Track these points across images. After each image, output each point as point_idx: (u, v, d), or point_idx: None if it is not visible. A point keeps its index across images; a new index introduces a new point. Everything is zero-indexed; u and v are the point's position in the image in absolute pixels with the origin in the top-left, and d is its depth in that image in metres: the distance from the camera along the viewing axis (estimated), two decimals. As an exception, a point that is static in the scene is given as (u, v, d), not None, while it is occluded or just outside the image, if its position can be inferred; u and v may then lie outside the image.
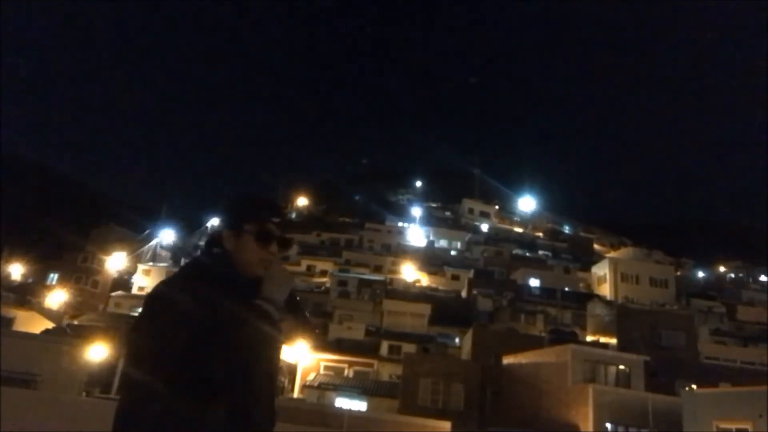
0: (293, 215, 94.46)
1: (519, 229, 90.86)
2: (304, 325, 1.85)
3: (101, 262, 59.00)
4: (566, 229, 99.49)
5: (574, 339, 34.78)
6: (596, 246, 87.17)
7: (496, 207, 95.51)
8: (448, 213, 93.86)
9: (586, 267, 63.28)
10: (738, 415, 19.82)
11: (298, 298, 1.85)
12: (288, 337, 1.91)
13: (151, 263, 62.33)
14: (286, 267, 1.87)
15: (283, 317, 1.74)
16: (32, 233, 71.03)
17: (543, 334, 37.09)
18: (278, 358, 1.81)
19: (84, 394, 22.71)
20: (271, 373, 1.74)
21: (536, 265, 62.42)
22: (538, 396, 26.80)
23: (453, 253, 72.51)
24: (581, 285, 58.22)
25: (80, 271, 57.18)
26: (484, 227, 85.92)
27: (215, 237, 1.81)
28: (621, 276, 54.88)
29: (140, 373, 1.51)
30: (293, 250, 65.90)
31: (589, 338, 39.02)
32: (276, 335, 1.72)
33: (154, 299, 1.62)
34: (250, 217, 1.78)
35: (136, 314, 1.78)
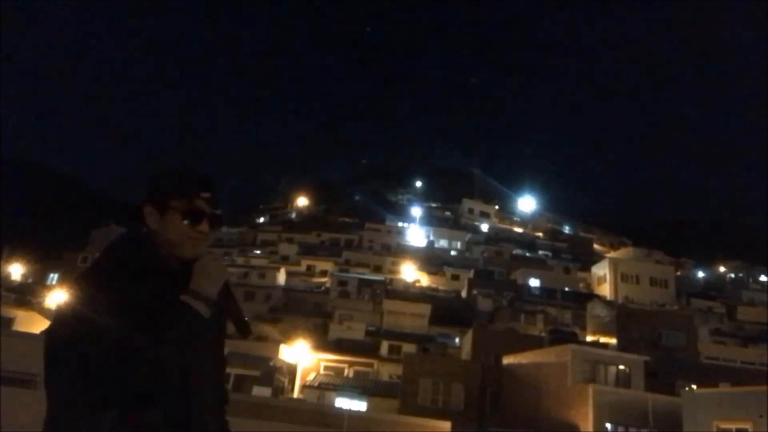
0: (293, 215, 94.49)
1: (519, 229, 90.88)
2: (238, 320, 1.62)
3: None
4: (566, 229, 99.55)
5: (574, 339, 34.75)
6: (596, 246, 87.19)
7: (496, 207, 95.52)
8: (448, 213, 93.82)
9: (586, 267, 63.29)
10: (738, 415, 19.82)
11: (232, 293, 1.64)
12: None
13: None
14: (218, 254, 1.65)
15: (214, 312, 1.51)
16: (32, 233, 71.04)
17: (543, 334, 37.07)
18: (218, 356, 1.63)
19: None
20: (214, 366, 1.59)
21: (536, 265, 62.43)
22: (538, 396, 26.80)
23: (453, 253, 72.48)
24: (581, 285, 58.23)
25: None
26: (484, 227, 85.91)
27: (136, 214, 1.58)
28: (621, 276, 54.87)
29: (63, 386, 1.36)
30: (293, 250, 65.93)
31: (589, 338, 39.00)
32: (210, 333, 1.53)
33: (73, 292, 1.43)
34: (177, 191, 1.54)
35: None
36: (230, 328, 1.72)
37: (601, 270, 58.01)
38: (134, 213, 1.58)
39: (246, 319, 1.66)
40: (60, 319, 1.43)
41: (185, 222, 1.53)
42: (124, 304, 1.38)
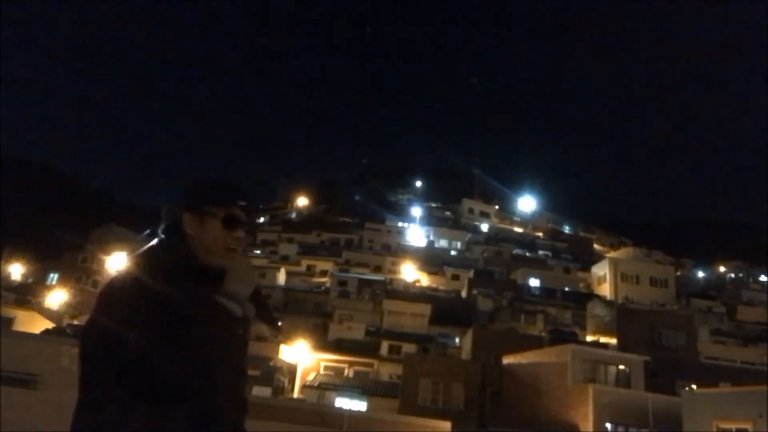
0: (293, 215, 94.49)
1: (519, 229, 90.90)
2: (269, 321, 1.71)
3: (101, 262, 58.93)
4: (566, 229, 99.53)
5: (574, 339, 34.74)
6: (596, 246, 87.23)
7: (496, 207, 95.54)
8: (448, 213, 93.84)
9: (586, 267, 63.31)
10: (738, 415, 19.82)
11: (262, 295, 1.73)
12: (261, 332, 1.81)
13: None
14: (250, 259, 1.74)
15: (247, 313, 1.61)
16: (32, 233, 71.02)
17: (543, 334, 37.06)
18: (244, 356, 1.69)
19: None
20: (237, 373, 1.64)
21: (536, 265, 62.46)
22: (538, 396, 26.81)
23: (453, 253, 72.50)
24: (581, 285, 58.24)
25: (80, 271, 57.16)
26: (484, 227, 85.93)
27: (174, 221, 1.64)
28: (621, 276, 54.89)
29: (96, 375, 1.42)
30: (293, 250, 65.94)
31: (589, 338, 39.01)
32: (240, 333, 1.61)
33: (106, 297, 1.51)
34: (216, 199, 1.62)
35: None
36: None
37: (601, 270, 58.02)
38: (173, 222, 1.64)
39: (278, 321, 1.72)
40: (95, 315, 1.49)
41: (223, 228, 1.60)
42: (159, 302, 1.44)
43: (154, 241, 1.66)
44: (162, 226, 1.67)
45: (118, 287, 1.51)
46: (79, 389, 1.47)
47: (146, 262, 1.58)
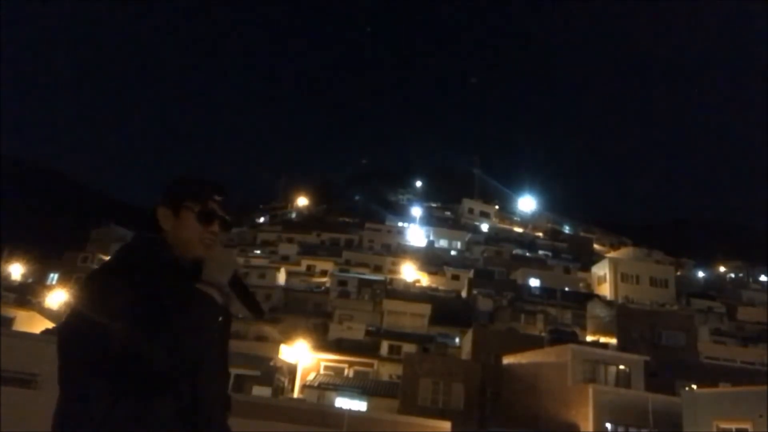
0: (293, 215, 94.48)
1: (519, 229, 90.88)
2: (251, 304, 1.69)
3: (101, 262, 59.02)
4: (566, 229, 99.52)
5: (574, 339, 34.78)
6: (596, 246, 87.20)
7: (496, 207, 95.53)
8: (448, 213, 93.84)
9: (586, 267, 63.29)
10: (738, 415, 19.82)
11: (244, 281, 1.72)
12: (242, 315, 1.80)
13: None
14: (228, 249, 1.78)
15: (228, 301, 1.61)
16: (32, 233, 71.03)
17: (543, 334, 37.08)
18: (227, 344, 1.70)
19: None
20: (221, 361, 1.64)
21: (536, 265, 62.44)
22: (538, 396, 26.80)
23: (453, 253, 72.50)
24: (581, 285, 58.23)
25: (80, 271, 57.08)
26: (484, 227, 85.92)
27: (150, 216, 1.67)
28: (621, 276, 54.87)
29: (78, 369, 1.43)
30: (293, 250, 65.92)
31: (589, 338, 39.01)
32: (221, 320, 1.60)
33: (88, 288, 1.50)
34: (191, 194, 1.67)
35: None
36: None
37: (601, 270, 58.01)
38: (146, 217, 1.68)
39: (258, 301, 1.73)
40: (75, 310, 1.49)
41: (198, 223, 1.64)
42: (138, 294, 1.44)
43: (131, 238, 1.71)
44: (141, 220, 1.72)
45: (98, 281, 1.52)
46: (61, 384, 1.47)
47: (123, 256, 1.61)
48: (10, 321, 32.26)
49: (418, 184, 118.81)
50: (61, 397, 1.46)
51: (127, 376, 1.38)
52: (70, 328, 1.48)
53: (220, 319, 1.59)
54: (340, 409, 24.24)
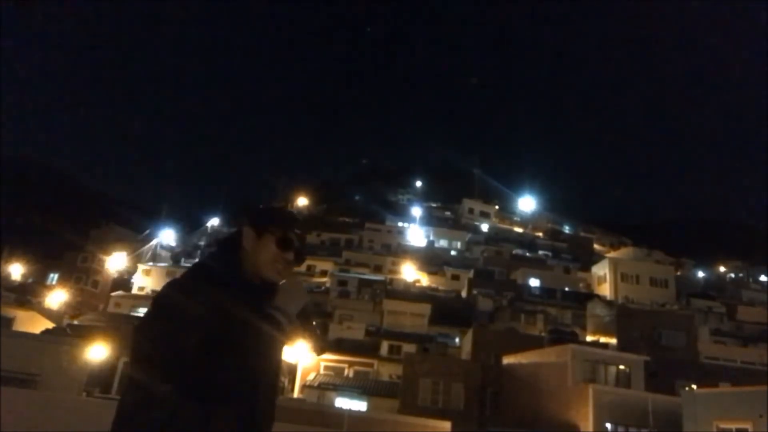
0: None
1: (519, 229, 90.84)
2: (314, 339, 1.85)
3: (101, 262, 59.01)
4: (566, 229, 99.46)
5: (574, 339, 34.77)
6: (596, 246, 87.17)
7: (496, 207, 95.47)
8: (448, 213, 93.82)
9: (586, 267, 63.28)
10: (738, 415, 19.82)
11: (309, 312, 1.86)
12: (293, 345, 1.90)
13: (151, 263, 62.33)
14: (300, 279, 1.89)
15: (293, 328, 1.73)
16: (32, 233, 71.02)
17: (543, 334, 37.09)
18: (281, 367, 1.81)
19: (84, 394, 22.70)
20: (274, 381, 1.74)
21: (536, 265, 62.44)
22: (538, 396, 26.81)
23: (453, 253, 72.51)
24: (581, 285, 58.22)
25: (80, 271, 57.19)
26: (484, 227, 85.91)
27: (233, 236, 1.81)
28: (621, 276, 54.87)
29: (145, 375, 1.50)
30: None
31: (589, 338, 39.02)
32: (282, 344, 1.72)
33: (162, 299, 1.60)
34: (276, 221, 1.82)
35: (141, 314, 1.69)
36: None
37: (601, 270, 58.01)
38: (229, 235, 1.84)
39: (320, 338, 1.83)
40: (148, 316, 1.60)
41: (277, 248, 1.76)
42: (213, 308, 1.54)
43: (210, 253, 1.85)
44: (221, 239, 1.85)
45: (173, 293, 1.61)
46: (127, 388, 1.56)
47: (200, 271, 1.74)
48: (10, 321, 32.27)
49: (418, 184, 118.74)
50: (125, 401, 1.53)
51: (194, 384, 1.46)
52: (143, 334, 1.57)
53: (282, 344, 1.71)
54: (340, 409, 24.26)
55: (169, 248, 73.38)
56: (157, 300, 1.61)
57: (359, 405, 29.94)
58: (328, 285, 53.89)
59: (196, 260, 1.88)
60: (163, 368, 1.47)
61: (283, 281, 1.74)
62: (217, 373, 1.48)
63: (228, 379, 1.50)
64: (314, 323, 1.88)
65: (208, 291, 1.58)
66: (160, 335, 1.52)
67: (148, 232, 73.70)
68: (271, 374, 1.69)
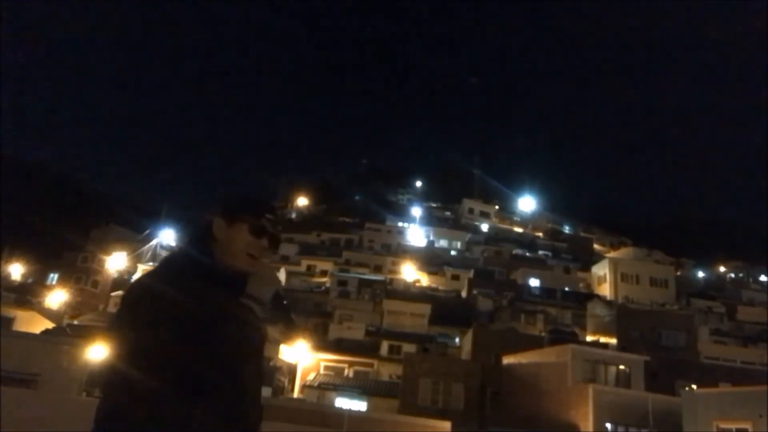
0: (293, 215, 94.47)
1: (519, 229, 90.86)
2: (288, 324, 1.80)
3: (101, 262, 59.00)
4: (566, 229, 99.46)
5: (574, 339, 34.78)
6: (596, 246, 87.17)
7: (496, 207, 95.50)
8: (448, 213, 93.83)
9: (586, 267, 63.30)
10: (738, 415, 19.83)
11: (284, 300, 1.82)
12: (274, 336, 1.87)
13: (151, 263, 62.31)
14: (272, 266, 1.85)
15: (268, 316, 1.69)
16: (32, 233, 71.02)
17: (543, 334, 37.09)
18: (262, 356, 1.76)
19: (84, 394, 22.72)
20: (257, 371, 1.69)
21: (536, 265, 62.43)
22: (538, 396, 26.81)
23: (453, 253, 72.50)
24: (581, 285, 58.22)
25: (80, 271, 57.17)
26: (484, 227, 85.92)
27: (204, 226, 1.76)
28: (621, 276, 54.89)
29: (123, 372, 1.46)
30: (293, 250, 65.91)
31: (589, 338, 39.03)
32: (260, 333, 1.67)
33: (135, 293, 1.57)
34: (247, 208, 1.76)
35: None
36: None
37: (601, 270, 58.03)
38: (198, 226, 1.79)
39: (294, 322, 1.81)
40: (120, 312, 1.56)
41: (249, 236, 1.72)
42: (183, 300, 1.50)
43: (179, 246, 1.81)
44: (192, 231, 1.80)
45: (143, 289, 1.57)
46: (103, 386, 1.52)
47: (172, 264, 1.70)
48: (10, 321, 32.30)
49: (418, 184, 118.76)
50: (102, 398, 1.49)
51: (169, 380, 1.42)
52: (118, 334, 1.53)
53: (261, 332, 1.66)
54: (340, 409, 24.27)
55: (169, 248, 73.37)
56: (129, 292, 1.58)
57: (359, 405, 29.94)
58: (328, 285, 53.89)
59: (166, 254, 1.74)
60: (139, 363, 1.43)
61: (255, 269, 1.70)
62: (194, 367, 1.44)
63: (206, 373, 1.46)
64: (285, 303, 1.83)
65: (180, 283, 1.54)
66: (136, 329, 1.48)
67: (148, 232, 73.66)
68: (253, 364, 1.64)
